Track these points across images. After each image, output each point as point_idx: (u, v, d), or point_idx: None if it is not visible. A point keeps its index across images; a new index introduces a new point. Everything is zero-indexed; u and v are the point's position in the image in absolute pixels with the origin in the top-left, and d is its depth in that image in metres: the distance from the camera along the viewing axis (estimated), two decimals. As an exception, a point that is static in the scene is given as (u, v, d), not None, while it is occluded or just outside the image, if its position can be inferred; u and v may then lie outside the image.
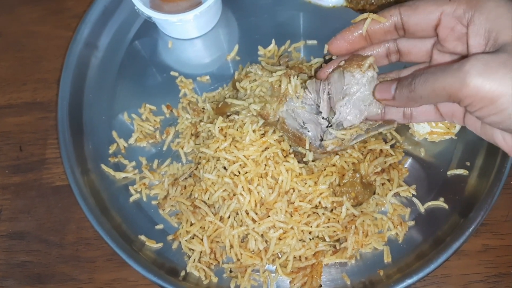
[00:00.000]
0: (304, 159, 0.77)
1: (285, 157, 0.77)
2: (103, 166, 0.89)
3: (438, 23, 0.60)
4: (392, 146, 0.84)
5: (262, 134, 0.78)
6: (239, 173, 0.78)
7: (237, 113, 0.81)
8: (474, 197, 0.80)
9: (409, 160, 0.85)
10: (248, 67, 0.89)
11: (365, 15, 0.64)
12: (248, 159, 0.77)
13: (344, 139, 0.72)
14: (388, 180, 0.82)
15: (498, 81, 0.49)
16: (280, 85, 0.78)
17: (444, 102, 0.64)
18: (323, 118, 0.75)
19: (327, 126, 0.75)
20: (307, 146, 0.74)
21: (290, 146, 0.78)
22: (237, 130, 0.78)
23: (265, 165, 0.77)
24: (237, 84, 0.85)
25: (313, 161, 0.78)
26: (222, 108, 0.84)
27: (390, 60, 0.71)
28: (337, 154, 0.79)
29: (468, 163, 0.84)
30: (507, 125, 0.52)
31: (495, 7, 0.55)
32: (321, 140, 0.75)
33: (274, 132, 0.78)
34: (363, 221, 0.78)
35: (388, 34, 0.65)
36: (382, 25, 0.64)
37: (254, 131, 0.77)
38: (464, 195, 0.82)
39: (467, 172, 0.83)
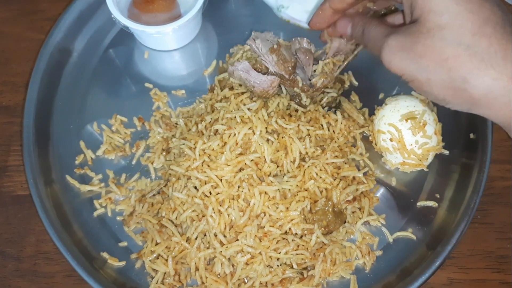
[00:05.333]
0: (303, 102, 0.85)
1: (259, 178, 0.76)
2: (68, 178, 0.86)
3: None
4: (364, 174, 0.84)
5: (239, 153, 0.77)
6: (210, 193, 0.76)
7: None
8: (443, 230, 0.80)
9: (381, 189, 0.85)
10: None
11: None
12: (221, 180, 0.76)
13: (328, 71, 0.84)
14: (359, 209, 0.82)
15: (399, 61, 0.56)
16: None
17: None
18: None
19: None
20: (300, 84, 0.83)
21: (287, 90, 0.86)
22: (218, 146, 0.77)
23: (239, 186, 0.76)
24: (216, 105, 0.84)
25: (306, 110, 0.85)
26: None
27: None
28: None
29: (437, 195, 0.84)
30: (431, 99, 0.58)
31: None
32: (310, 80, 0.85)
33: (251, 152, 0.77)
34: (332, 249, 0.77)
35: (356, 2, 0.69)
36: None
37: (231, 150, 0.76)
38: (433, 227, 0.82)
39: (437, 204, 0.83)
